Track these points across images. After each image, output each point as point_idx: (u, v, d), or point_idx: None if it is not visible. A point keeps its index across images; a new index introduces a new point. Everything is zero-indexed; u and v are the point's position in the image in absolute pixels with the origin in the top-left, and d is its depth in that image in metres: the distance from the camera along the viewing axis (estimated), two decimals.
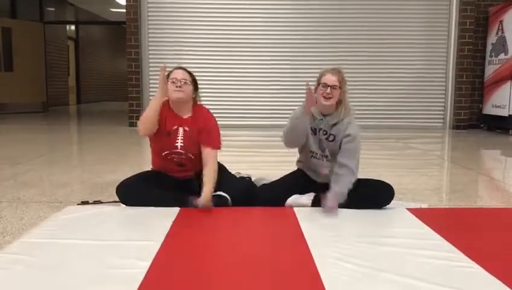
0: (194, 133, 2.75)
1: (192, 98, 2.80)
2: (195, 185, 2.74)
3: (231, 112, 7.93)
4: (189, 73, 2.81)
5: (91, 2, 14.32)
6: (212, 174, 2.67)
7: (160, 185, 2.74)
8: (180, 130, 2.74)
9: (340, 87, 2.68)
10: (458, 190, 3.49)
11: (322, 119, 2.73)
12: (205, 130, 2.76)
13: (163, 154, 2.74)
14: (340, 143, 2.70)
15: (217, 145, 2.78)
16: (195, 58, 7.80)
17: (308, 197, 2.76)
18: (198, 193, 2.65)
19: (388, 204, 2.74)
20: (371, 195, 2.72)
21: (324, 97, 2.66)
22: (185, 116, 2.78)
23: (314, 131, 2.75)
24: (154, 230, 2.27)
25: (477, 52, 8.01)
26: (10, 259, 1.90)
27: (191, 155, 2.75)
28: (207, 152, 2.73)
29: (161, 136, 2.72)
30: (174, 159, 2.74)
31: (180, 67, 2.81)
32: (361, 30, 7.95)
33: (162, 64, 2.68)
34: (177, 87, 2.67)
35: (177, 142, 2.72)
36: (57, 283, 1.69)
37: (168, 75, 2.78)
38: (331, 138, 2.72)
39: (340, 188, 2.60)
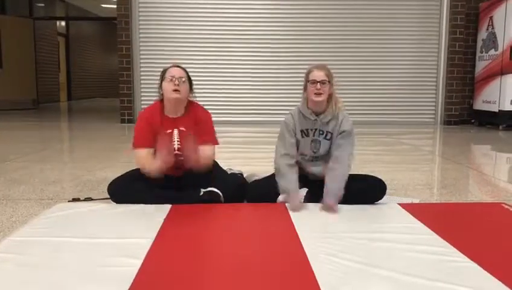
0: (190, 131, 2.70)
1: (188, 96, 2.78)
2: (186, 182, 2.73)
3: (224, 108, 7.90)
4: (185, 71, 2.78)
5: None
6: (203, 161, 2.65)
7: (152, 182, 2.70)
8: (175, 132, 2.71)
9: (329, 82, 2.68)
10: (449, 184, 3.51)
11: (316, 120, 2.71)
12: (201, 127, 2.72)
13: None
14: (334, 139, 2.71)
15: (214, 141, 2.76)
16: (187, 54, 7.76)
17: (300, 193, 2.75)
18: (189, 190, 2.63)
19: (380, 199, 2.75)
20: (363, 190, 2.72)
21: (315, 94, 2.64)
22: (179, 116, 2.73)
23: (306, 133, 2.73)
24: (146, 227, 2.26)
25: (468, 48, 8.05)
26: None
27: None
28: (204, 149, 2.68)
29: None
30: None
31: (176, 65, 2.78)
32: (353, 26, 7.96)
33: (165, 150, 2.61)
34: (174, 85, 2.62)
35: (174, 144, 2.68)
36: (47, 282, 1.67)
37: (163, 74, 2.74)
38: (328, 136, 2.71)
39: (338, 184, 2.59)
